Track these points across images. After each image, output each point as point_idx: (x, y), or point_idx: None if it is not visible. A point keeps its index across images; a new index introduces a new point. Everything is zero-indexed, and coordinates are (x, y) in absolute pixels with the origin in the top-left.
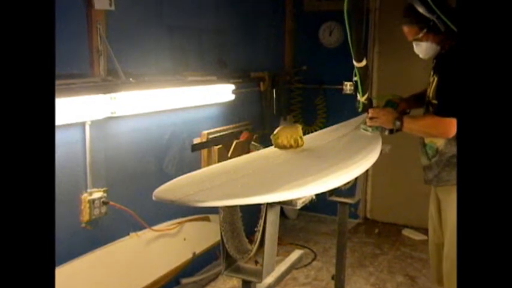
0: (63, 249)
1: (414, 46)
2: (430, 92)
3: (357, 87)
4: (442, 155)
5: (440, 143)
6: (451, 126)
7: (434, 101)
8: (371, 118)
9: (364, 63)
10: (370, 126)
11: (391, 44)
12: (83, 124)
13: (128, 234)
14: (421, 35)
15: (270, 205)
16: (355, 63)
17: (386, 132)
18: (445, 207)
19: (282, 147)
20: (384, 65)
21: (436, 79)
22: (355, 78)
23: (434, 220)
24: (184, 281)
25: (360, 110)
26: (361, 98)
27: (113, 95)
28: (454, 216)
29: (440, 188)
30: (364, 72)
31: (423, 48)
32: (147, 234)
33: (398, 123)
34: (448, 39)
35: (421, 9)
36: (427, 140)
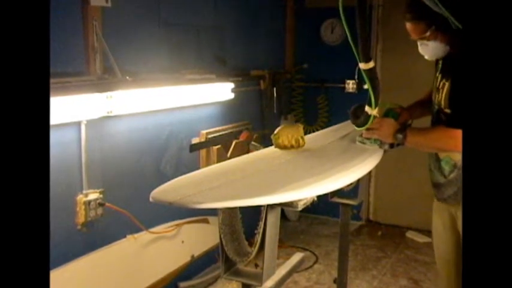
0: (58, 252)
1: (419, 46)
2: (442, 99)
3: (370, 98)
4: (460, 170)
5: (459, 157)
6: None
7: (448, 110)
8: (368, 129)
9: (372, 64)
10: (367, 139)
11: (396, 41)
12: (78, 124)
13: (125, 236)
14: (428, 33)
15: (271, 207)
16: (362, 65)
17: (386, 147)
18: None
19: (283, 147)
20: (388, 64)
21: (447, 84)
22: (365, 86)
23: (443, 237)
24: (182, 284)
25: (365, 126)
26: (373, 111)
27: (109, 93)
28: None
29: (459, 205)
30: (374, 75)
31: (430, 49)
32: (144, 236)
33: (400, 136)
34: (458, 37)
35: (429, 3)
36: (442, 155)
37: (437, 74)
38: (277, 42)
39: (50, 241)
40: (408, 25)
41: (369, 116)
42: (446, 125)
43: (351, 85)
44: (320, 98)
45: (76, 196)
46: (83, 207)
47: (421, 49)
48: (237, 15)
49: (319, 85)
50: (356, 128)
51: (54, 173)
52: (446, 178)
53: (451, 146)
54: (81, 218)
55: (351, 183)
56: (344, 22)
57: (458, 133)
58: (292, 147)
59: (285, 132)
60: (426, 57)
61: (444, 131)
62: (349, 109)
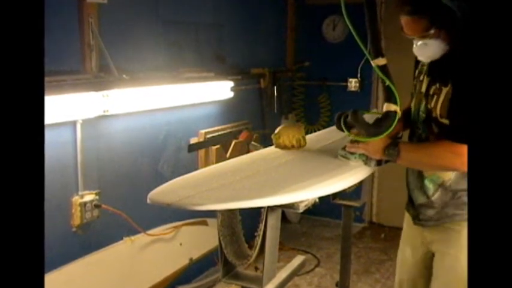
0: (53, 254)
1: (416, 45)
2: (438, 107)
3: (392, 94)
4: (447, 190)
5: (448, 176)
6: None
7: (444, 120)
8: (353, 141)
9: (385, 59)
10: (351, 153)
11: (399, 40)
12: (73, 123)
13: (121, 238)
14: (432, 30)
15: (271, 208)
16: (376, 61)
17: (373, 164)
18: (444, 252)
19: (284, 147)
20: (391, 63)
21: (446, 90)
22: (387, 83)
23: (411, 269)
24: None
25: (390, 129)
26: (398, 107)
27: (105, 92)
28: (461, 264)
29: (439, 227)
30: (388, 71)
31: (430, 49)
32: (141, 238)
33: (392, 152)
34: (461, 36)
35: None
36: (427, 173)
37: (421, 77)
38: (278, 40)
39: (45, 243)
40: (406, 20)
41: (394, 113)
42: (444, 138)
43: (353, 84)
44: (322, 96)
45: (71, 197)
46: (79, 208)
47: (418, 49)
48: (237, 12)
49: (320, 84)
50: (365, 139)
51: (49, 173)
52: (429, 199)
53: (456, 164)
54: (76, 220)
55: (354, 185)
56: (346, 18)
57: (464, 149)
58: (293, 147)
59: (286, 132)
60: (421, 58)
61: (447, 147)
62: (351, 108)
